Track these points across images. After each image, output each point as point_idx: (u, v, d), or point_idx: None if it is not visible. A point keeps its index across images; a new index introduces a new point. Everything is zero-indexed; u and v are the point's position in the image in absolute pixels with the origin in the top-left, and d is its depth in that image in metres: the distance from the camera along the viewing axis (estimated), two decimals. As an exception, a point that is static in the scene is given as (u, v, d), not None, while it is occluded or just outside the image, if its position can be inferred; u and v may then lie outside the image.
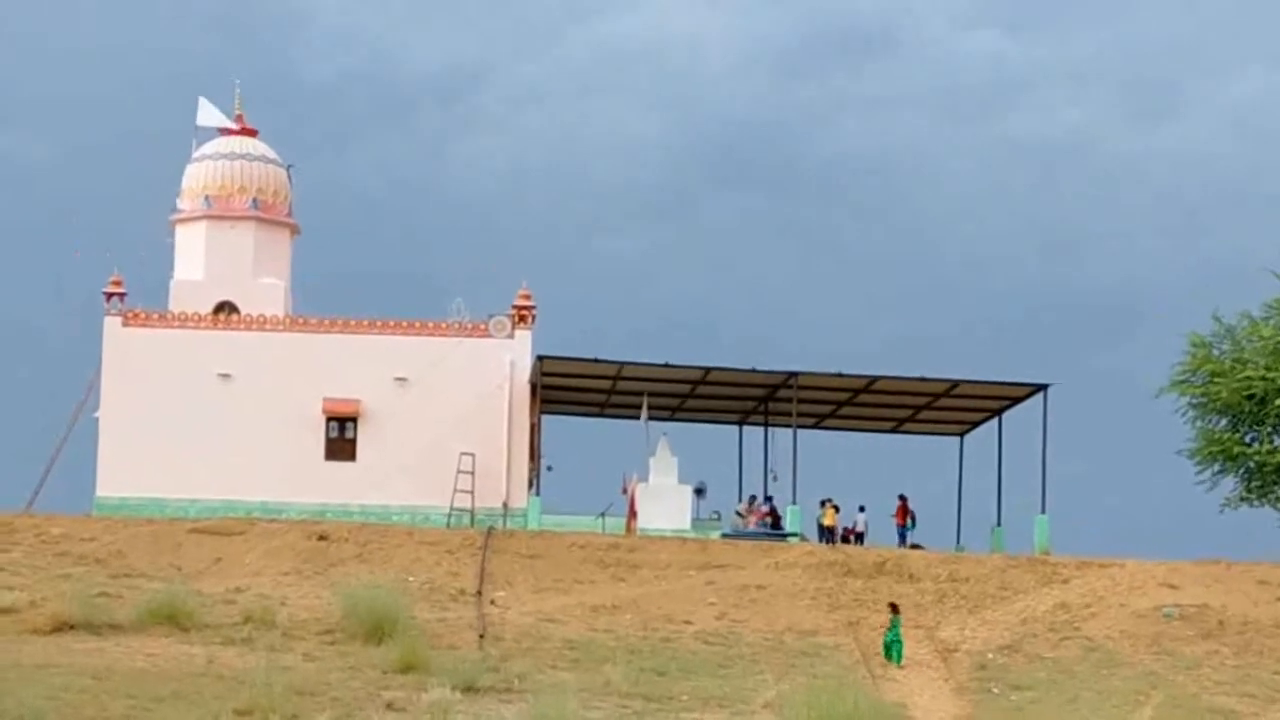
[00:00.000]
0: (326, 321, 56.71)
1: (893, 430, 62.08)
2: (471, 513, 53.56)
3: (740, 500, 58.06)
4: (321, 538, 46.24)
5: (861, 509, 55.63)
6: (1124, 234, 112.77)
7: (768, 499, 57.30)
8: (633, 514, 53.41)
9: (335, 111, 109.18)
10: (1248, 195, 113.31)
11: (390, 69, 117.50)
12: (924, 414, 59.80)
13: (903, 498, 55.95)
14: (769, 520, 55.36)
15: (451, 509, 53.66)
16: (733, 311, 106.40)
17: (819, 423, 60.39)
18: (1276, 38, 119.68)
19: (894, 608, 41.44)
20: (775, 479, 58.37)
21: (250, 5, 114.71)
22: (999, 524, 57.24)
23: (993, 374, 56.60)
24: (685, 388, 57.46)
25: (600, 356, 54.52)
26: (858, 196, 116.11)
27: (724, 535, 52.82)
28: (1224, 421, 55.97)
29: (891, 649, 40.15)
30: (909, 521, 55.70)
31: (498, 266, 69.91)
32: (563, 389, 56.75)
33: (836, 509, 54.41)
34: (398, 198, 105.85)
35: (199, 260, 59.20)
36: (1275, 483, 55.09)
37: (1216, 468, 55.96)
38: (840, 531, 54.38)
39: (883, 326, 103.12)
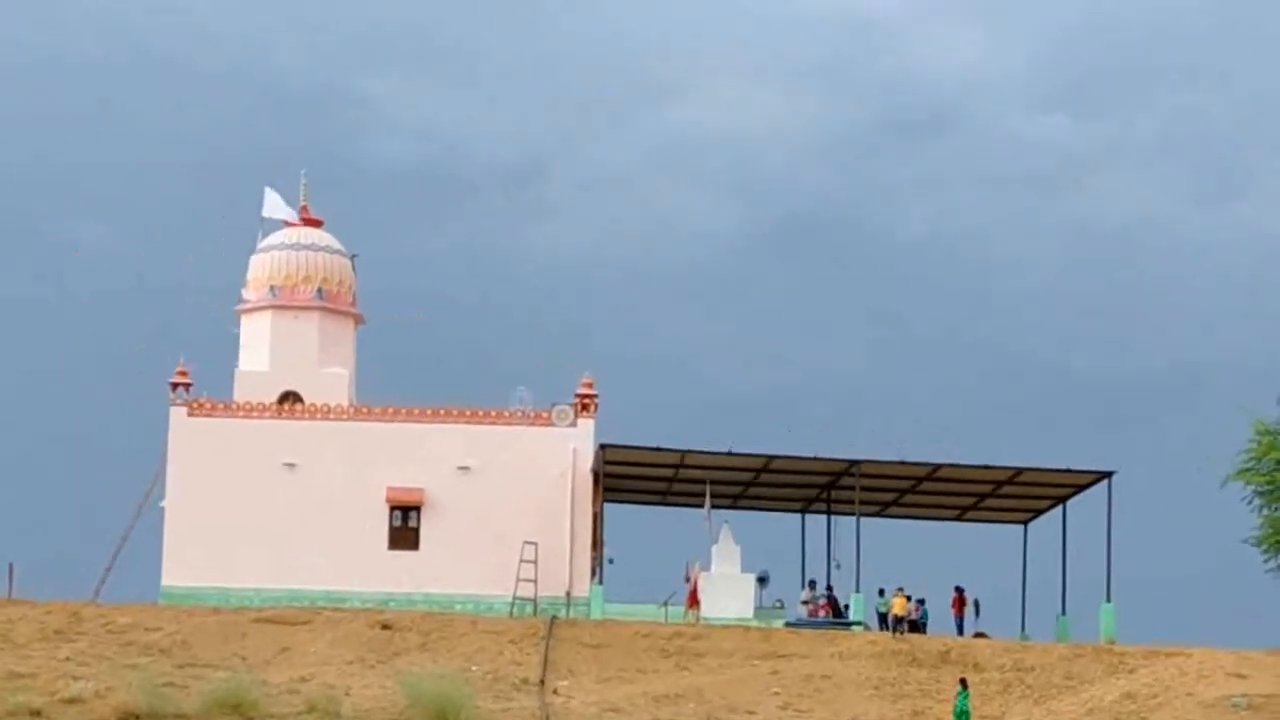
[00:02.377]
0: (390, 410, 56.84)
1: (957, 518, 61.79)
2: (535, 602, 53.52)
3: (803, 588, 57.87)
4: (385, 627, 46.32)
5: (921, 601, 55.30)
6: (1190, 315, 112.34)
7: (828, 588, 57.08)
8: (695, 601, 53.29)
9: (402, 200, 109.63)
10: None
11: (456, 158, 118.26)
12: (988, 501, 59.57)
13: (959, 589, 55.65)
14: (829, 610, 55.13)
15: (515, 598, 53.60)
16: (796, 396, 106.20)
17: (882, 510, 60.18)
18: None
19: (963, 682, 41.82)
20: (839, 567, 58.18)
21: (318, 95, 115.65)
22: (1064, 612, 56.89)
23: (1059, 460, 56.32)
24: (748, 475, 57.38)
25: (662, 445, 54.57)
26: (923, 278, 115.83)
27: (788, 624, 52.69)
28: (1292, 509, 55.67)
29: (960, 719, 40.32)
30: (969, 612, 55.38)
31: (561, 355, 70.12)
32: (625, 477, 56.75)
33: (909, 598, 54.06)
34: (462, 285, 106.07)
35: (264, 350, 59.40)
36: (1344, 571, 54.76)
37: (1283, 556, 55.68)
38: (906, 620, 54.07)
39: (947, 409, 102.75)
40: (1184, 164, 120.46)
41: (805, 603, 55.96)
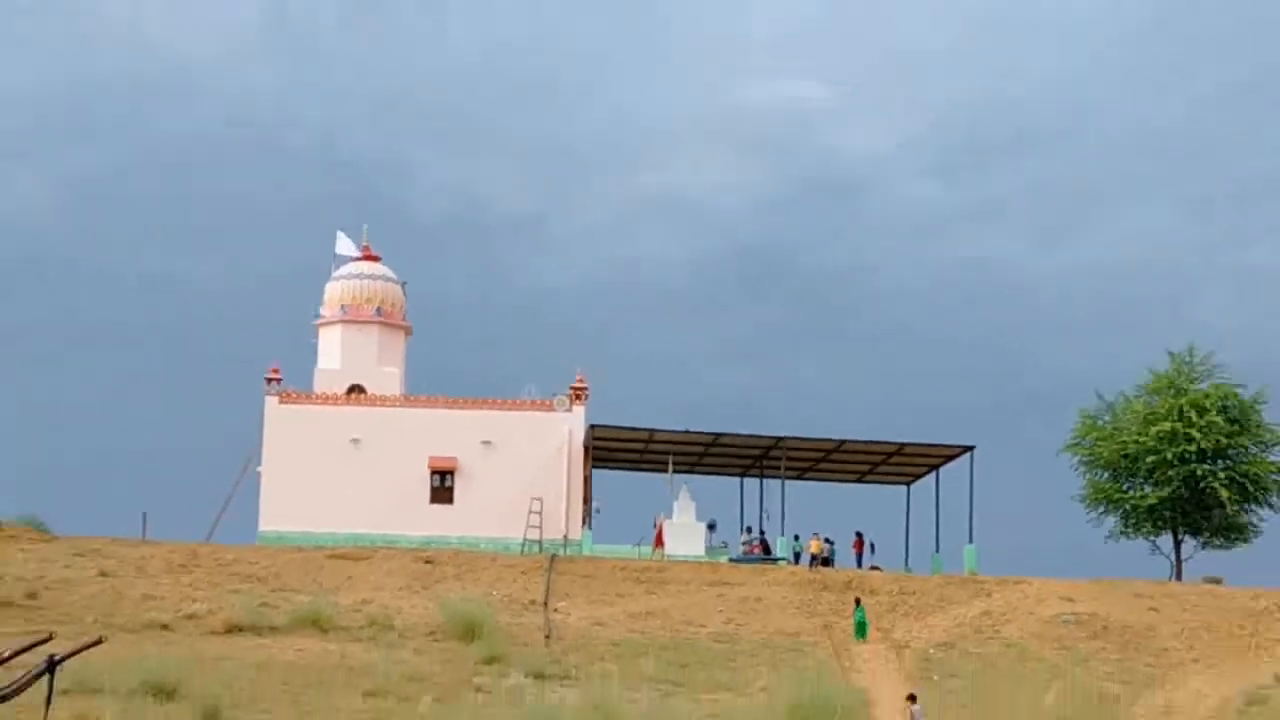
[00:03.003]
0: (431, 399, 56.83)
1: (857, 481, 61.81)
2: (540, 543, 53.46)
3: (741, 533, 57.82)
4: (427, 562, 46.22)
5: (830, 541, 55.27)
6: (1034, 330, 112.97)
7: (761, 533, 56.97)
8: (660, 543, 53.23)
9: (441, 240, 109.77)
10: (1124, 307, 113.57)
11: (480, 208, 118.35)
12: (880, 468, 59.56)
13: (859, 534, 55.66)
14: (761, 549, 55.01)
15: (525, 540, 53.56)
16: (740, 388, 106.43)
17: (801, 475, 60.16)
18: (1146, 181, 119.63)
19: (858, 601, 42.30)
20: (769, 518, 58.16)
21: (377, 162, 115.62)
22: (938, 551, 56.99)
23: (935, 437, 56.50)
24: (700, 448, 57.35)
25: (636, 425, 54.56)
26: (838, 301, 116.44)
27: (730, 560, 52.60)
28: (1106, 474, 55.85)
29: (860, 629, 40.73)
30: (866, 551, 55.39)
31: (560, 357, 70.06)
32: (609, 449, 56.68)
33: (824, 540, 54.04)
34: (485, 305, 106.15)
35: (336, 354, 59.47)
36: (1146, 520, 54.93)
37: (1101, 509, 55.85)
38: (819, 558, 54.05)
39: (853, 399, 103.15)
40: (1027, 215, 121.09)
41: (744, 544, 55.92)
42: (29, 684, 11.18)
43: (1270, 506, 54.77)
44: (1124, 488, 55.39)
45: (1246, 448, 54.35)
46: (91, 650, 10.63)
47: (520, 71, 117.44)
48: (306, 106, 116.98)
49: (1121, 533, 55.69)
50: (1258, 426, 54.46)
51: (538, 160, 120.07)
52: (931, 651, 39.98)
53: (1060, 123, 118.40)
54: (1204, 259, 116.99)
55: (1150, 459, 53.68)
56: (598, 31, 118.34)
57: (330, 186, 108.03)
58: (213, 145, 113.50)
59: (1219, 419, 53.45)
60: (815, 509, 60.62)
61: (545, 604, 42.60)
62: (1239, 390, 54.91)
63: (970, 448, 55.14)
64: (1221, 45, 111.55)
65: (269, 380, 56.34)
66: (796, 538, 54.31)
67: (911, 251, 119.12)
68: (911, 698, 29.88)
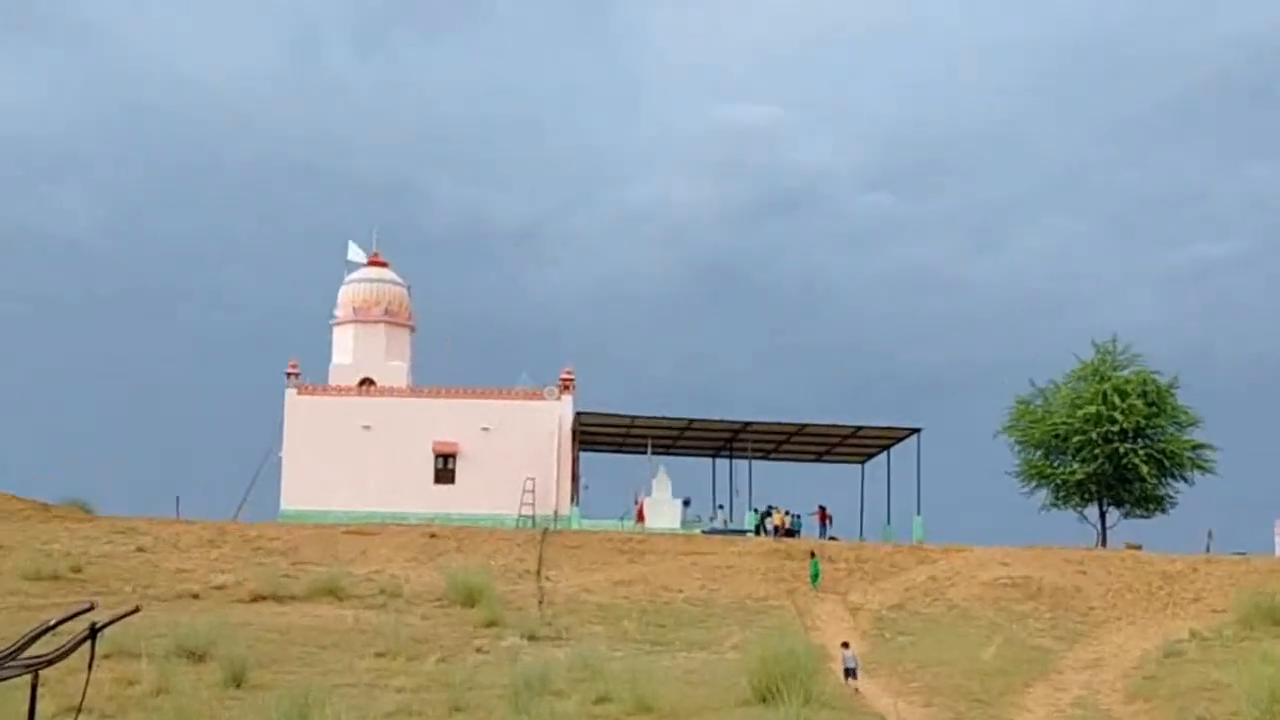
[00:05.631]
0: (435, 389, 56.80)
1: (816, 460, 61.94)
2: (533, 518, 53.46)
3: (713, 509, 57.81)
4: (432, 536, 46.11)
5: (796, 515, 55.36)
6: (966, 329, 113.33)
7: (791, 514, 55.70)
8: (640, 518, 53.25)
9: (446, 250, 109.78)
10: (1055, 306, 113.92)
11: (482, 221, 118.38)
12: (837, 449, 59.73)
13: (821, 507, 55.78)
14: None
15: (519, 515, 53.55)
16: (710, 381, 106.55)
17: (766, 455, 60.28)
18: (1061, 201, 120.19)
19: (812, 554, 42.69)
20: (738, 494, 58.39)
21: (386, 178, 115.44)
22: (889, 522, 57.17)
23: (886, 421, 56.65)
24: (676, 432, 57.41)
25: (619, 412, 54.55)
26: (794, 303, 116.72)
27: (703, 532, 52.64)
28: (1039, 453, 56.02)
29: (814, 578, 41.20)
30: (827, 522, 55.49)
31: (551, 353, 69.90)
32: (594, 434, 56.72)
33: (786, 513, 54.13)
34: (485, 307, 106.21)
35: (349, 350, 59.40)
36: (1074, 494, 55.11)
37: (1034, 484, 56.02)
38: (782, 529, 54.16)
39: (812, 389, 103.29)
40: (960, 228, 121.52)
41: (712, 519, 56.04)
42: (74, 649, 11.13)
43: (1185, 480, 55.06)
44: (1054, 464, 55.59)
45: (1164, 428, 54.58)
46: (130, 618, 10.57)
47: (517, 103, 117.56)
48: (326, 133, 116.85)
49: (1052, 504, 55.92)
50: (1174, 409, 54.70)
51: (530, 179, 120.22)
52: (884, 613, 40.05)
53: (992, 143, 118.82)
54: (1122, 263, 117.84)
55: (1078, 438, 53.87)
56: (581, 64, 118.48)
57: (347, 203, 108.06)
58: (250, 172, 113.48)
59: (1139, 402, 53.65)
60: (779, 486, 60.86)
61: (538, 573, 42.58)
62: (1157, 376, 55.14)
63: (917, 430, 55.32)
64: (1128, 78, 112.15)
65: (289, 374, 56.27)
66: (756, 511, 54.37)
67: (859, 259, 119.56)
68: (845, 645, 30.13)
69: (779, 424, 55.84)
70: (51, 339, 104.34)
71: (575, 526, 52.57)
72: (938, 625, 38.25)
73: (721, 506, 58.06)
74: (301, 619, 34.45)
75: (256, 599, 36.76)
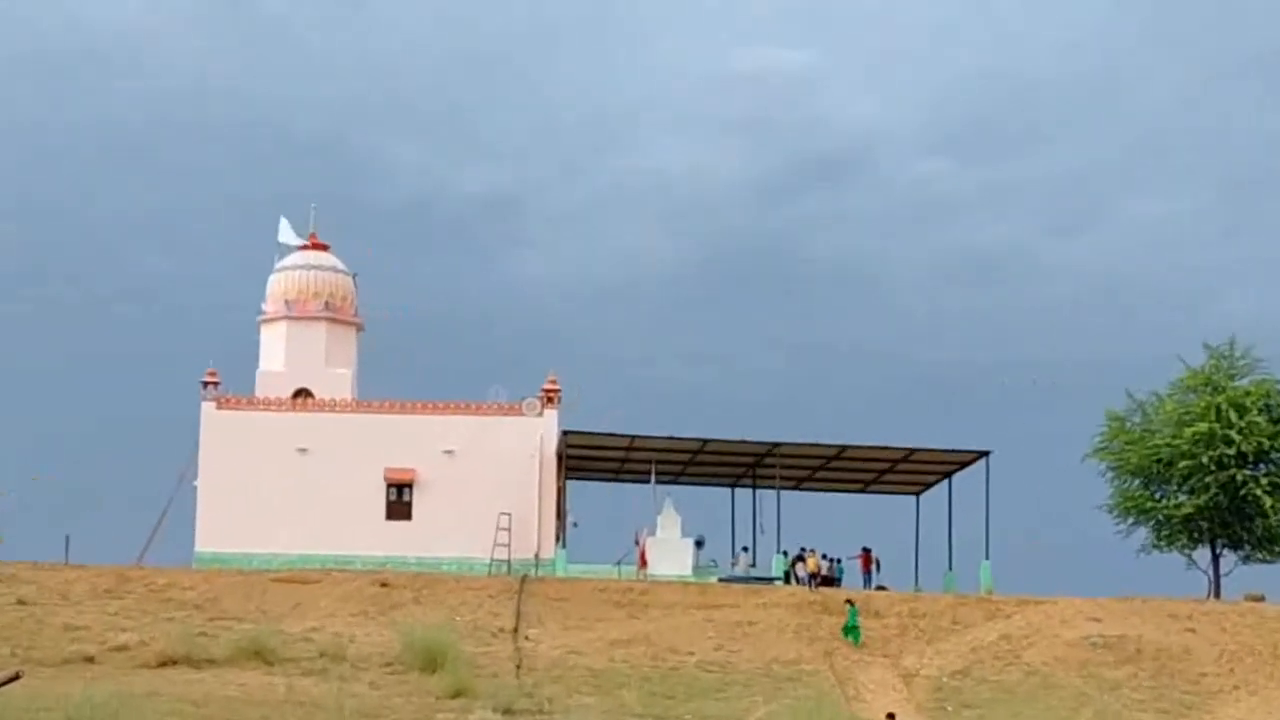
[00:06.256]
0: (387, 404, 56.72)
1: (860, 491, 61.85)
2: (509, 563, 53.38)
3: (735, 553, 57.79)
4: (383, 584, 46.11)
5: (836, 560, 55.23)
6: (1046, 325, 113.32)
7: (830, 558, 55.68)
8: (643, 563, 53.23)
9: (400, 230, 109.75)
10: (1153, 296, 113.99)
11: (445, 196, 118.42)
12: (886, 476, 59.63)
13: (865, 549, 55.73)
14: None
15: (492, 560, 53.48)
16: (727, 392, 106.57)
17: (798, 485, 60.18)
18: (1158, 173, 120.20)
19: (849, 602, 42.91)
20: (764, 532, 58.19)
21: (330, 140, 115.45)
22: (950, 568, 56.99)
23: (946, 443, 56.52)
24: (687, 456, 57.31)
25: (615, 431, 54.51)
26: (830, 294, 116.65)
27: (720, 580, 52.59)
28: (1136, 482, 55.96)
29: (850, 633, 41.45)
30: (873, 568, 55.46)
31: (531, 357, 70.02)
32: (584, 458, 56.66)
33: (823, 557, 54.05)
34: (449, 300, 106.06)
35: (280, 353, 59.32)
36: (1181, 532, 55.00)
37: (1131, 520, 55.97)
38: (818, 577, 54.04)
39: (852, 402, 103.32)
40: (1037, 201, 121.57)
41: (734, 564, 56.03)
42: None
43: (1319, 516, 54.89)
44: (1156, 496, 55.49)
45: (1293, 451, 54.48)
46: (8, 686, 10.43)
47: (487, 44, 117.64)
48: (251, 84, 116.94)
49: (1154, 546, 55.79)
50: (1305, 427, 54.58)
51: (503, 144, 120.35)
52: (945, 680, 40.01)
53: (1076, 96, 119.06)
54: (1241, 245, 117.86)
55: (1185, 464, 53.76)
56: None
57: (278, 171, 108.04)
58: (150, 125, 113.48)
59: (1261, 419, 53.55)
60: (814, 523, 60.71)
61: (515, 631, 42.52)
62: (1283, 387, 55.06)
63: (986, 453, 55.23)
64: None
65: (205, 384, 56.14)
66: (785, 553, 54.33)
67: (912, 240, 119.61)
68: (890, 717, 30.23)
69: (814, 445, 55.80)
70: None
71: (561, 573, 52.45)
72: (1012, 696, 38.23)
73: (746, 549, 58.00)
74: (222, 688, 34.40)
75: (166, 663, 36.75)
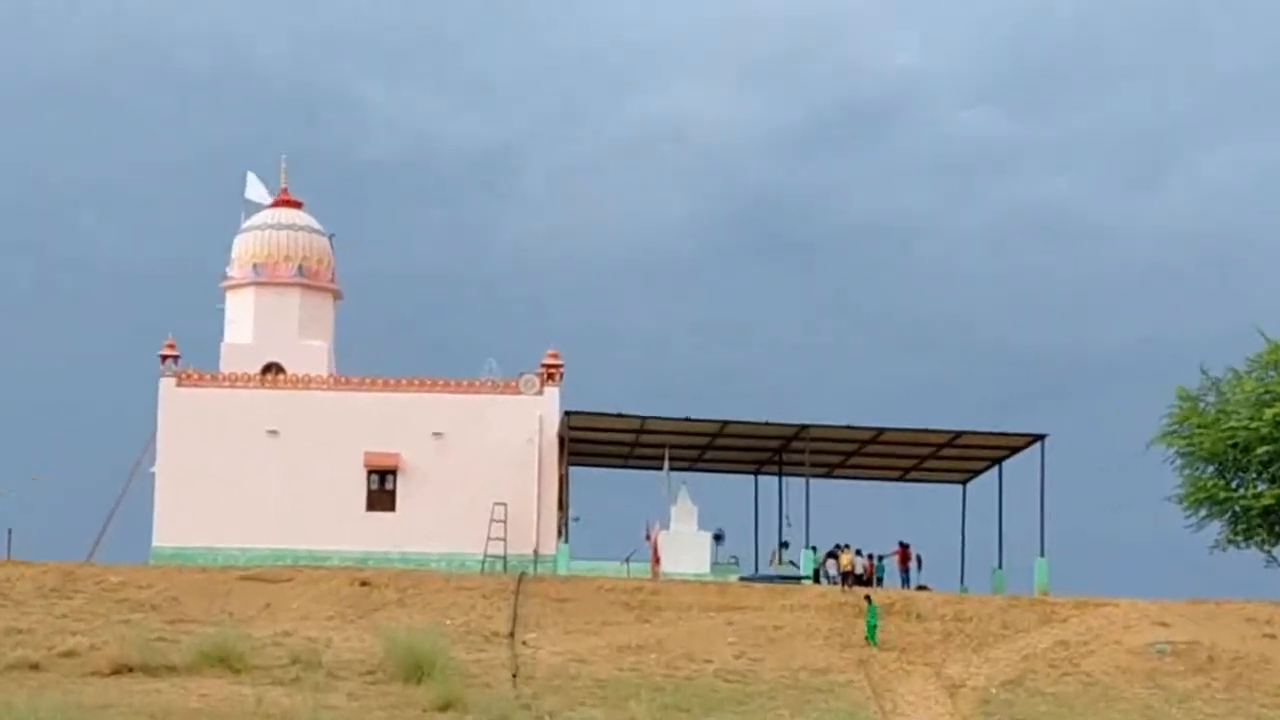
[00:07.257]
0: (368, 380, 56.70)
1: (899, 479, 61.92)
2: (504, 559, 53.46)
3: (776, 550, 57.93)
4: (364, 584, 46.19)
5: (871, 556, 55.26)
6: (1106, 296, 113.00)
7: (868, 555, 55.82)
8: (656, 559, 53.29)
9: (382, 186, 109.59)
10: (1226, 261, 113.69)
11: (433, 149, 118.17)
12: (928, 463, 59.67)
13: (903, 544, 55.76)
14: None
15: (485, 556, 53.55)
16: (750, 368, 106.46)
17: (830, 472, 60.24)
18: (1244, 121, 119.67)
19: (868, 598, 43.77)
20: (790, 525, 58.28)
21: (301, 90, 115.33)
22: (1000, 566, 57.05)
23: (993, 425, 56.51)
24: (704, 439, 57.37)
25: (624, 411, 54.52)
26: (864, 260, 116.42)
27: (742, 579, 52.66)
28: (1210, 469, 55.89)
29: (871, 632, 42.21)
30: (912, 565, 55.48)
31: (529, 329, 69.96)
32: (589, 442, 56.68)
33: (858, 553, 54.03)
34: (438, 265, 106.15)
35: (248, 324, 59.24)
36: (1260, 525, 54.96)
37: (1203, 512, 55.90)
38: (852, 575, 54.08)
39: (891, 379, 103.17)
40: (1101, 156, 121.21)
41: (772, 563, 56.21)
42: None
43: None
44: (1232, 485, 55.43)
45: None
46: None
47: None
48: (212, 23, 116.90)
49: (1229, 541, 55.77)
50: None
51: (499, 90, 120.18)
52: (994, 692, 40.05)
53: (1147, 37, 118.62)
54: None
55: (1265, 449, 53.73)
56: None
57: (244, 121, 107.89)
58: (105, 76, 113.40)
59: (1351, 399, 53.50)
60: (848, 515, 60.75)
61: (512, 635, 42.61)
62: (1377, 363, 55.00)
63: (1041, 436, 55.23)
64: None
65: (164, 358, 56.21)
66: (814, 548, 54.35)
67: (958, 198, 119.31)
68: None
69: (847, 428, 55.82)
70: None
71: (563, 571, 52.56)
72: (1070, 709, 38.26)
73: (786, 544, 58.00)
74: (184, 698, 34.51)
75: (120, 670, 36.83)
